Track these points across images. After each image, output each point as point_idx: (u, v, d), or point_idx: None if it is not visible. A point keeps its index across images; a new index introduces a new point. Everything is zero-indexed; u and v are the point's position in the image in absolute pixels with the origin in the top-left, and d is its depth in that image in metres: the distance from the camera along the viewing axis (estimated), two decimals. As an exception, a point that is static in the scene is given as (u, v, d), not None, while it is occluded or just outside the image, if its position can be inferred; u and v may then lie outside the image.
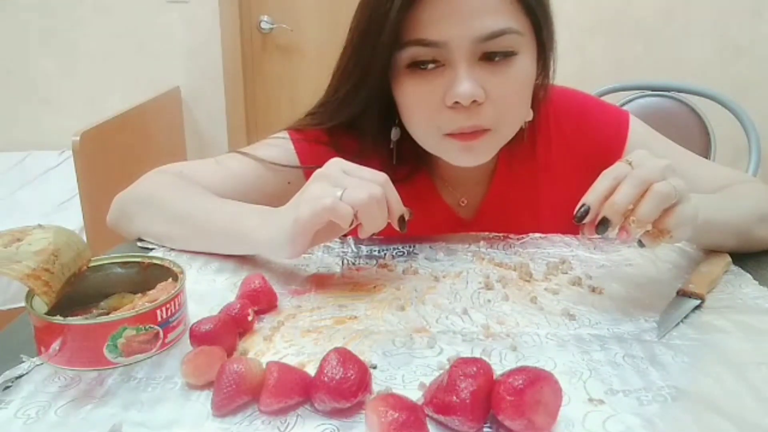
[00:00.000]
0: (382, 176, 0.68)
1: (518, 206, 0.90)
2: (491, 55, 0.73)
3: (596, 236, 0.61)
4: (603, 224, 0.59)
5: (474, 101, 0.72)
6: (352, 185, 0.65)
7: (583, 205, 0.61)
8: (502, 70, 0.74)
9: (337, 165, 0.68)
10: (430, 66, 0.74)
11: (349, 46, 0.79)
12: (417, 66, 0.74)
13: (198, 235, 0.77)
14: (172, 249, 0.78)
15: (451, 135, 0.76)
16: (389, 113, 0.82)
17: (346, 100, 0.82)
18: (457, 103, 0.72)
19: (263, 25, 2.83)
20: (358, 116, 0.82)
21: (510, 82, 0.74)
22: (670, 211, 0.59)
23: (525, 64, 0.75)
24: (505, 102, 0.75)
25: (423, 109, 0.76)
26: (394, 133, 0.84)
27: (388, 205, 0.67)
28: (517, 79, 0.75)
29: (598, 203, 0.60)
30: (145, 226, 0.81)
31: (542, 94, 0.84)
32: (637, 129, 0.90)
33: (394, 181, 0.69)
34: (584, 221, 0.61)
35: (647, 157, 0.63)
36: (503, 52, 0.73)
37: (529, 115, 0.83)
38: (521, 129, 0.83)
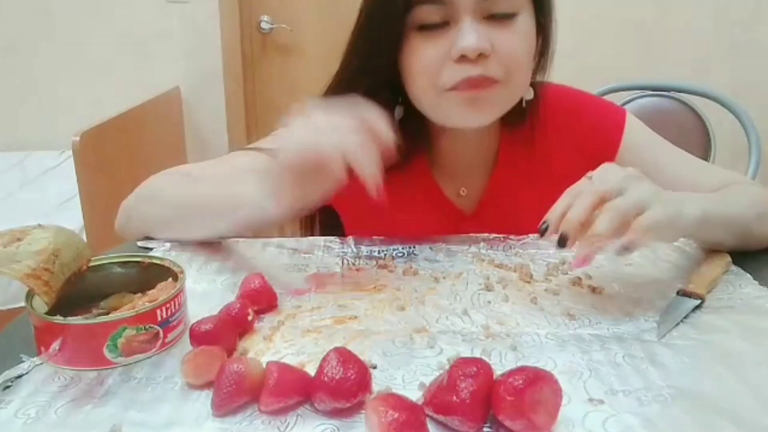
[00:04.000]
0: (359, 122, 0.64)
1: (518, 201, 0.90)
2: (495, 15, 0.74)
3: (563, 250, 0.63)
4: (561, 239, 0.61)
5: (480, 54, 0.73)
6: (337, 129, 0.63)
7: (544, 222, 0.63)
8: (507, 26, 0.75)
9: (318, 109, 0.66)
10: (438, 23, 0.75)
11: (360, 18, 0.81)
12: (424, 27, 0.75)
13: (194, 212, 0.77)
14: (173, 249, 0.78)
15: (456, 89, 0.76)
16: (392, 94, 0.82)
17: (355, 76, 0.82)
18: (463, 57, 0.73)
19: (263, 26, 2.82)
20: (366, 83, 0.81)
21: (515, 37, 0.76)
22: (639, 218, 0.60)
23: (527, 23, 0.77)
24: (511, 56, 0.76)
25: (427, 66, 0.77)
26: (398, 112, 0.84)
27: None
28: (522, 35, 0.77)
29: (557, 220, 0.62)
30: (145, 218, 0.82)
31: (541, 73, 0.85)
32: (633, 127, 0.89)
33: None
34: (545, 237, 0.64)
35: (608, 170, 0.65)
36: (506, 13, 0.75)
37: (530, 93, 0.84)
38: (522, 110, 0.84)
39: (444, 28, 0.75)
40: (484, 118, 0.80)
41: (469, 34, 0.73)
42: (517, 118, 0.84)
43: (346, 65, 0.84)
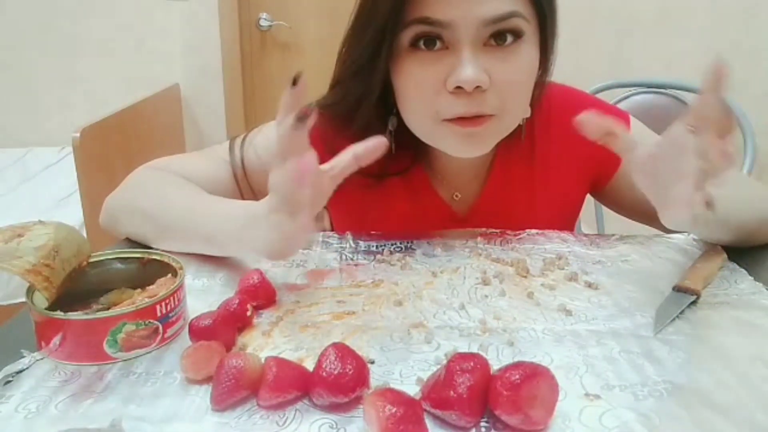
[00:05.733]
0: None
1: (513, 205, 0.89)
2: (497, 39, 0.71)
3: None
4: None
5: (477, 87, 0.70)
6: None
7: None
8: (507, 56, 0.71)
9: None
10: (434, 46, 0.71)
11: (351, 30, 0.78)
12: (419, 47, 0.72)
13: (180, 238, 0.75)
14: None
15: (450, 121, 0.73)
16: (386, 104, 0.80)
17: (345, 88, 0.80)
18: (459, 88, 0.70)
19: (262, 23, 2.82)
20: (355, 106, 0.80)
21: (515, 68, 0.72)
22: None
23: (530, 52, 0.73)
24: (509, 88, 0.72)
25: (422, 92, 0.73)
26: (392, 123, 0.82)
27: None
28: (522, 66, 0.73)
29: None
30: (130, 229, 0.81)
31: (539, 92, 0.83)
32: (637, 131, 0.88)
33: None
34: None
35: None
36: (510, 29, 0.70)
37: (527, 112, 0.81)
38: (519, 126, 0.82)
39: (441, 51, 0.71)
40: (478, 150, 0.77)
41: (468, 66, 0.69)
42: (515, 132, 0.81)
43: (338, 77, 0.81)
